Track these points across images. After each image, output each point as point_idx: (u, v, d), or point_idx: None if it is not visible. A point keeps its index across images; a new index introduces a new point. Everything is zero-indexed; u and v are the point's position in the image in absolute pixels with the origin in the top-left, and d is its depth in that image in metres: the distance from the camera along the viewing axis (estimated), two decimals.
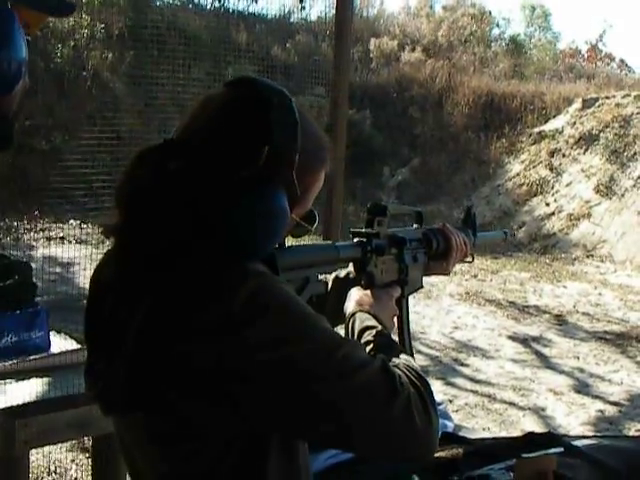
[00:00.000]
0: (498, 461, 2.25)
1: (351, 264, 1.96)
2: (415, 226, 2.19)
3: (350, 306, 1.83)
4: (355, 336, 1.71)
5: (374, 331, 1.69)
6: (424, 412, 1.46)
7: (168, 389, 1.36)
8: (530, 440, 2.41)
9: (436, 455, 2.31)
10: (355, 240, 1.91)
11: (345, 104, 4.64)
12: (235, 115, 1.48)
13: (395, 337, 1.91)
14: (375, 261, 1.90)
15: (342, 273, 2.01)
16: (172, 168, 1.43)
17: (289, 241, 1.70)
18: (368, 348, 1.63)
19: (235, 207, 1.40)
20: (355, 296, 1.86)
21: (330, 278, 2.01)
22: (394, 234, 1.99)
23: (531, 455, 2.04)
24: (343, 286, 1.94)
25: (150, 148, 1.50)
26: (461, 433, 2.72)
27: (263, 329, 1.34)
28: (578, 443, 2.45)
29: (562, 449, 2.28)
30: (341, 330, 1.75)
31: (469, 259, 2.34)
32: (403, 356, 1.62)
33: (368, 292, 1.86)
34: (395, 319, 1.94)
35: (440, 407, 3.23)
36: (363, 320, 1.74)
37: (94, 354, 1.52)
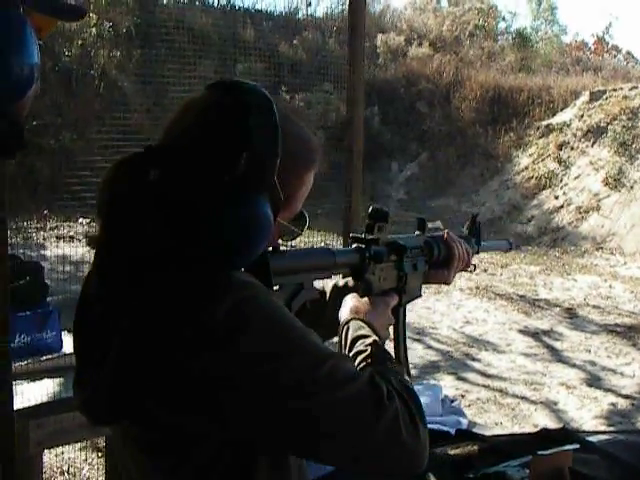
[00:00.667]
0: (513, 458, 2.24)
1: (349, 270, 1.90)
2: (417, 233, 2.14)
3: (344, 313, 1.79)
4: (347, 344, 1.68)
5: (367, 340, 1.65)
6: (412, 426, 1.43)
7: (152, 400, 1.35)
8: (545, 436, 2.41)
9: (451, 452, 2.32)
10: (354, 246, 1.86)
11: (361, 100, 4.64)
12: (214, 121, 1.45)
13: (390, 346, 1.89)
14: (373, 268, 1.86)
15: (341, 282, 1.98)
16: (152, 176, 1.41)
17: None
18: (359, 358, 1.60)
19: (217, 215, 1.37)
20: (350, 303, 1.82)
21: (328, 287, 1.98)
22: (394, 241, 1.94)
23: (546, 452, 2.03)
24: (341, 296, 1.89)
25: (130, 157, 1.47)
26: (475, 429, 2.72)
27: (247, 342, 1.32)
28: (593, 439, 2.44)
29: (577, 445, 2.27)
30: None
31: (470, 268, 2.31)
32: (394, 367, 1.59)
33: (364, 300, 1.82)
34: (391, 328, 1.91)
35: (454, 404, 3.24)
36: (356, 328, 1.71)
37: (81, 364, 1.51)
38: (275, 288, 1.58)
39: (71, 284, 8.67)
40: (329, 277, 1.86)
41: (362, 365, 1.57)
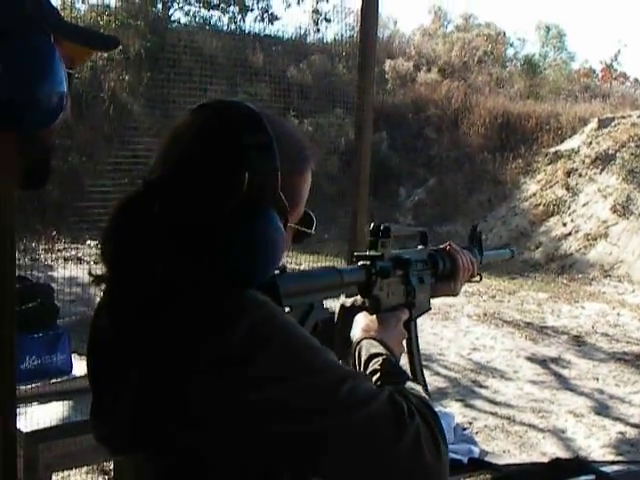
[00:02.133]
0: None
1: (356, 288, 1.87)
2: (420, 247, 2.12)
3: (356, 333, 1.77)
4: (362, 364, 1.66)
5: (381, 359, 1.63)
6: (433, 445, 1.40)
7: (173, 427, 1.34)
8: (558, 466, 2.39)
9: None
10: (359, 263, 1.85)
11: (369, 126, 4.64)
12: (208, 147, 1.43)
13: (405, 361, 1.88)
14: (380, 284, 1.84)
15: (348, 302, 1.95)
16: (156, 209, 1.40)
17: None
18: (375, 377, 1.58)
19: (228, 237, 1.36)
20: (361, 322, 1.80)
21: (336, 308, 1.96)
22: (399, 255, 1.92)
23: None
24: (350, 315, 1.87)
25: (131, 195, 1.46)
26: (487, 458, 2.70)
27: (266, 363, 1.31)
28: (607, 469, 2.42)
29: (593, 476, 2.26)
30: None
31: (476, 279, 2.30)
32: (411, 385, 1.57)
33: (374, 317, 1.81)
34: (404, 342, 1.89)
35: (465, 432, 3.22)
36: (369, 347, 1.69)
37: (98, 396, 1.49)
38: (285, 309, 1.57)
39: (78, 306, 8.70)
40: (337, 296, 1.86)
41: (378, 384, 1.54)
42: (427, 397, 1.54)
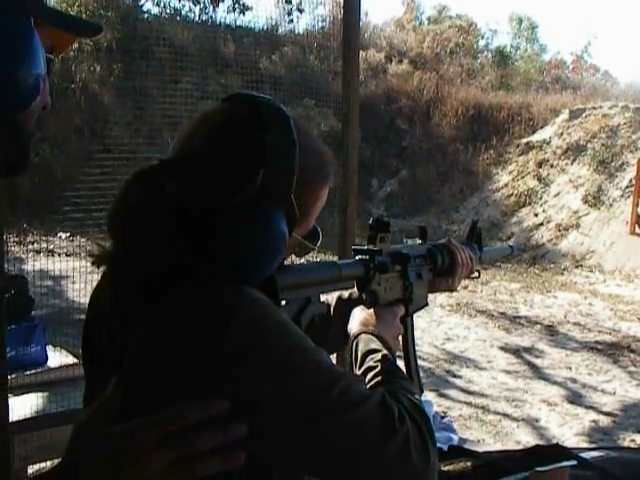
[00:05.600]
0: (508, 474, 2.23)
1: (354, 282, 1.86)
2: (419, 242, 2.10)
3: (354, 327, 1.76)
4: (358, 359, 1.65)
5: (378, 355, 1.63)
6: (422, 449, 1.39)
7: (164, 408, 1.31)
8: (538, 452, 2.40)
9: (445, 469, 2.30)
10: (357, 257, 1.83)
11: (356, 117, 4.61)
12: (231, 137, 1.43)
13: (400, 357, 1.87)
14: (378, 279, 1.83)
15: (345, 294, 1.94)
16: (168, 190, 1.39)
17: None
18: (370, 374, 1.58)
19: (233, 231, 1.36)
20: (359, 316, 1.79)
21: (333, 300, 1.94)
22: (397, 251, 1.91)
23: (544, 468, 2.02)
24: (346, 308, 1.86)
25: (145, 170, 1.45)
26: (465, 446, 2.71)
27: (258, 361, 1.29)
28: (586, 455, 2.44)
29: (575, 462, 2.27)
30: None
31: (475, 275, 2.29)
32: (405, 384, 1.56)
33: (372, 311, 1.80)
34: (400, 338, 1.89)
35: (445, 420, 3.23)
36: (367, 342, 1.68)
37: (91, 381, 1.49)
38: (282, 303, 1.56)
39: (51, 299, 8.66)
40: (335, 290, 1.83)
41: (373, 382, 1.55)
42: (420, 399, 1.53)
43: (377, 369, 1.58)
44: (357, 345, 1.69)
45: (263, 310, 1.35)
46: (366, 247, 1.85)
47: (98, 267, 1.47)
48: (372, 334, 1.71)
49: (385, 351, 1.65)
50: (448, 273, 2.11)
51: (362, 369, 1.61)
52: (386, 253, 1.87)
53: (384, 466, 1.36)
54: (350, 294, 1.92)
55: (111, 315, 1.42)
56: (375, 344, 1.67)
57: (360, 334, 1.71)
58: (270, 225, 1.39)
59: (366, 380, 1.56)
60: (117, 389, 1.35)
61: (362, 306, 1.83)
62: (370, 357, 1.63)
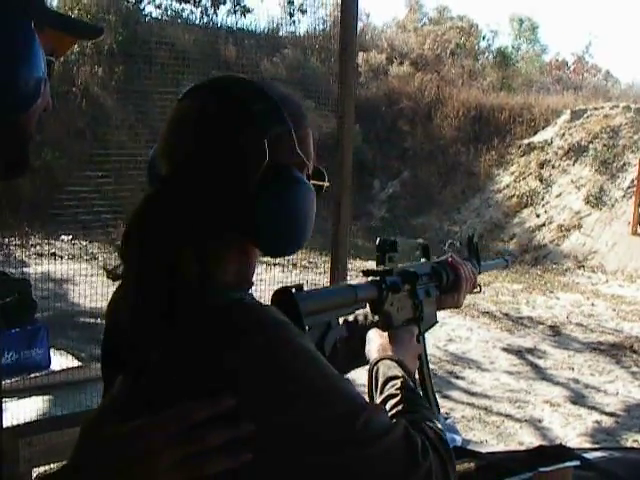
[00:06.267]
0: (512, 475, 2.23)
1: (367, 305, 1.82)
2: (423, 260, 2.10)
3: (373, 353, 1.73)
4: (379, 386, 1.62)
5: (398, 382, 1.59)
6: None
7: None
8: (542, 453, 2.40)
9: None
10: (369, 279, 1.81)
11: (351, 117, 4.64)
12: (219, 136, 1.39)
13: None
14: (391, 299, 1.81)
15: (350, 317, 1.93)
16: (178, 203, 1.36)
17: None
18: (391, 402, 1.55)
19: (268, 207, 1.35)
20: (376, 341, 1.77)
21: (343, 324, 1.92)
22: (405, 269, 1.90)
23: (548, 469, 2.02)
24: (352, 330, 1.85)
25: (149, 196, 1.41)
26: (469, 447, 2.71)
27: (280, 389, 1.26)
28: (589, 456, 2.44)
29: (578, 462, 2.27)
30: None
31: (477, 289, 2.26)
32: (427, 414, 1.53)
33: (387, 334, 1.78)
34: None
35: (448, 421, 3.23)
36: (386, 370, 1.65)
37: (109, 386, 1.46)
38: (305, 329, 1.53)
39: (53, 302, 8.66)
40: (352, 313, 1.82)
41: (394, 411, 1.52)
42: (441, 429, 1.50)
43: (398, 397, 1.56)
44: (377, 372, 1.66)
45: (286, 334, 1.32)
46: (377, 269, 1.83)
47: (114, 280, 1.45)
48: (392, 360, 1.68)
49: (406, 377, 1.63)
50: (453, 289, 2.11)
51: (383, 396, 1.58)
52: (395, 273, 1.85)
53: None
54: (355, 316, 1.93)
55: (127, 330, 1.39)
56: (395, 370, 1.65)
57: (380, 360, 1.69)
58: (300, 186, 1.39)
59: (387, 408, 1.53)
60: (123, 387, 1.35)
61: (376, 329, 1.82)
62: (391, 384, 1.60)
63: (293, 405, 1.26)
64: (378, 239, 1.86)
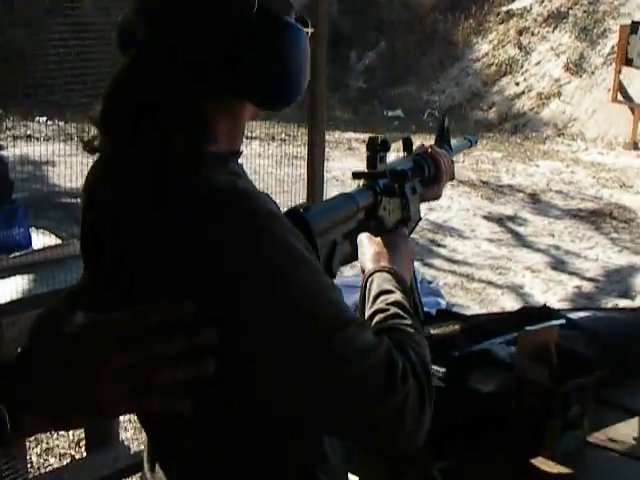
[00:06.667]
0: (497, 336, 2.25)
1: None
2: (404, 154, 2.02)
3: (367, 263, 1.64)
4: (370, 300, 1.53)
5: (390, 297, 1.51)
6: (419, 413, 1.31)
7: None
8: (527, 314, 2.42)
9: (434, 332, 2.32)
10: (363, 184, 1.75)
11: None
12: None
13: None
14: (384, 203, 1.75)
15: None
16: (167, 59, 1.28)
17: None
18: (380, 316, 1.46)
19: (265, 55, 1.29)
20: (370, 249, 1.67)
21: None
22: (394, 169, 1.79)
23: (533, 328, 2.03)
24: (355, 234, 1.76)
25: (132, 56, 1.34)
26: (454, 310, 2.73)
27: (262, 292, 1.20)
28: (574, 316, 2.46)
29: (563, 321, 2.29)
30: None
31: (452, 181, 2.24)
32: (416, 337, 1.43)
33: (380, 240, 1.68)
34: None
35: (431, 285, 3.25)
36: (381, 282, 1.56)
37: (91, 272, 1.42)
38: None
39: (32, 183, 8.61)
40: (353, 226, 1.71)
41: (381, 326, 1.44)
42: (426, 353, 1.41)
43: (388, 312, 1.48)
44: (371, 284, 1.58)
45: (280, 231, 1.26)
46: (369, 171, 1.76)
47: (91, 154, 1.38)
48: (387, 271, 1.60)
49: (399, 292, 1.55)
50: (434, 181, 2.04)
51: (372, 310, 1.51)
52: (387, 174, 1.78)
53: (372, 425, 1.30)
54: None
55: (113, 213, 1.33)
56: (389, 284, 1.57)
57: (374, 272, 1.61)
58: (294, 31, 1.34)
59: (374, 322, 1.46)
60: (87, 282, 1.31)
61: (368, 234, 1.72)
62: (382, 298, 1.53)
63: (274, 308, 1.21)
64: (369, 138, 1.77)
